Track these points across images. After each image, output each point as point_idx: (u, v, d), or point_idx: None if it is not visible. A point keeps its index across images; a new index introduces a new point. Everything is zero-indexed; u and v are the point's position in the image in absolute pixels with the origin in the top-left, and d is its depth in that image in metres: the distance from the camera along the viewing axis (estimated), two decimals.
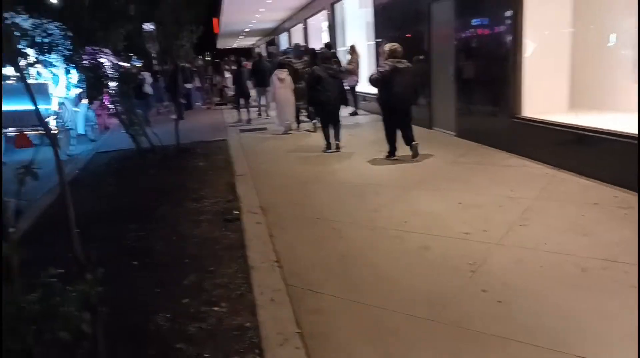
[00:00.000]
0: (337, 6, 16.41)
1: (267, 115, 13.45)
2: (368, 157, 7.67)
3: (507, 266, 3.66)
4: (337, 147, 8.27)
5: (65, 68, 8.36)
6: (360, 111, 12.72)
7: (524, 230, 4.34)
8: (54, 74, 10.01)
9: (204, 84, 19.40)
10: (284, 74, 10.33)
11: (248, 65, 14.90)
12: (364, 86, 11.51)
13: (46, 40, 7.48)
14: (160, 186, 6.60)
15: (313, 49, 11.19)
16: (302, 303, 3.26)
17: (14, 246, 1.85)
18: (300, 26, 22.67)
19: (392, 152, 7.33)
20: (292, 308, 3.18)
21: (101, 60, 8.76)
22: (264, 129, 11.37)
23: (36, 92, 8.35)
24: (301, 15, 21.79)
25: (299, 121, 10.95)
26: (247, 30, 31.85)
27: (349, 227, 4.65)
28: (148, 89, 13.30)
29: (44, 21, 7.29)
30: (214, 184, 6.57)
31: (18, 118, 9.13)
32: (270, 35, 34.66)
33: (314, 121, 10.41)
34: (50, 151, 2.87)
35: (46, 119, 9.55)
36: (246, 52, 39.61)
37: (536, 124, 6.66)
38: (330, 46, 11.99)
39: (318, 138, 8.90)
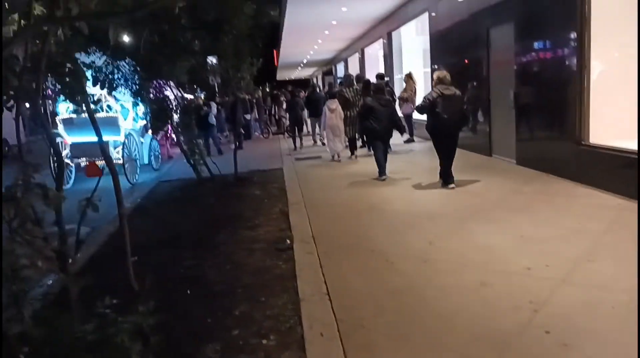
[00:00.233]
0: (394, 34, 16.51)
1: (322, 144, 13.61)
2: (423, 185, 7.53)
3: (573, 306, 3.39)
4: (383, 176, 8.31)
5: (133, 101, 8.90)
6: (416, 138, 12.57)
7: (592, 266, 4.03)
8: (124, 107, 10.68)
9: (262, 115, 19.93)
10: (334, 104, 10.61)
11: (303, 95, 15.26)
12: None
13: (117, 75, 8.00)
14: (217, 215, 6.76)
15: (366, 79, 11.38)
16: (351, 340, 3.16)
17: (72, 277, 1.92)
18: (356, 55, 22.97)
19: (445, 179, 7.32)
20: (341, 345, 3.09)
21: (166, 93, 9.25)
22: (319, 157, 11.46)
23: (107, 124, 8.91)
24: (358, 44, 22.10)
25: (352, 151, 11.01)
26: (305, 61, 32.66)
27: (403, 259, 4.51)
28: (212, 119, 13.83)
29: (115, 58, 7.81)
30: (268, 212, 6.64)
31: (89, 149, 9.76)
32: (328, 65, 35.34)
33: (354, 155, 10.85)
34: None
35: (116, 149, 10.16)
36: (304, 83, 40.51)
37: (605, 151, 6.27)
38: (383, 75, 12.33)
39: (371, 166, 8.84)
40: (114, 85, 7.73)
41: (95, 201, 2.08)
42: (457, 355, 2.92)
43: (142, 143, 11.41)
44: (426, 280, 4.03)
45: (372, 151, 9.03)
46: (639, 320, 2.61)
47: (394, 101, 10.34)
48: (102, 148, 2.60)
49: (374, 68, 18.74)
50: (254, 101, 18.97)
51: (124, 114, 10.76)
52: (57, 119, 10.35)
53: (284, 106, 19.00)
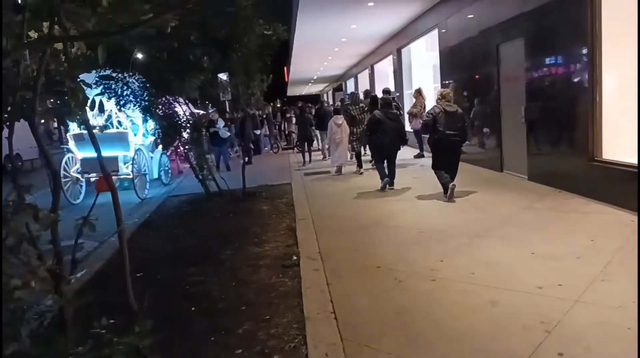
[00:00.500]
0: (403, 51, 16.56)
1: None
2: (433, 201, 7.44)
3: (587, 327, 3.27)
4: (391, 185, 8.60)
5: (143, 117, 8.97)
6: (425, 153, 12.50)
7: (607, 285, 3.91)
8: (134, 123, 10.78)
9: (272, 130, 20.04)
10: (340, 119, 10.97)
11: (312, 111, 15.38)
12: None
13: (127, 92, 8.08)
14: (224, 230, 6.73)
15: (374, 95, 11.60)
16: None
17: (67, 298, 1.88)
18: (366, 72, 23.06)
19: (446, 191, 7.43)
20: None
21: (176, 109, 9.31)
22: (327, 172, 11.43)
23: (117, 140, 8.98)
24: (368, 61, 22.20)
25: (359, 165, 11.16)
26: (315, 77, 32.89)
27: (411, 277, 4.42)
28: (224, 134, 13.85)
29: (126, 74, 7.90)
30: (276, 228, 6.59)
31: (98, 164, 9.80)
32: (338, 81, 35.54)
33: (359, 169, 11.02)
34: (127, 194, 3.02)
35: (126, 165, 10.22)
36: (314, 99, 40.76)
37: (618, 167, 6.15)
38: (389, 91, 12.51)
39: (378, 180, 8.91)
40: (123, 101, 7.80)
41: (92, 219, 2.05)
42: None
43: (151, 158, 11.48)
44: (434, 298, 3.94)
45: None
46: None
47: (401, 115, 10.70)
48: (101, 164, 2.58)
49: (384, 84, 18.75)
50: (264, 116, 19.09)
51: (134, 130, 10.85)
52: (68, 134, 10.46)
53: (293, 121, 19.10)
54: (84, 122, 2.45)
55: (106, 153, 10.01)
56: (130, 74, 8.02)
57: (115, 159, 10.34)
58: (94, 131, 9.60)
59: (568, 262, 4.47)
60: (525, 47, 8.06)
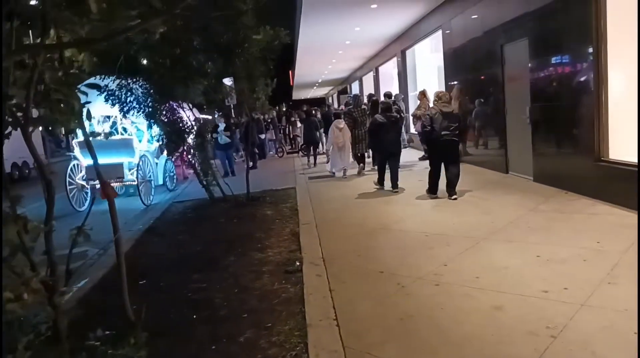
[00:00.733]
0: (407, 52, 16.53)
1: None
2: (436, 204, 7.39)
3: (593, 332, 3.21)
4: (396, 188, 8.64)
5: (148, 123, 8.99)
6: None
7: (613, 289, 3.84)
8: (138, 129, 10.81)
9: (277, 134, 20.04)
10: (341, 123, 11.10)
11: (318, 114, 15.37)
12: None
13: (130, 98, 8.10)
14: (228, 235, 6.72)
15: (375, 99, 11.88)
16: None
17: (60, 309, 1.87)
18: (371, 74, 23.04)
19: (432, 190, 7.75)
20: None
21: (180, 115, 9.32)
22: (332, 176, 11.39)
23: (122, 146, 9.00)
24: (372, 63, 22.18)
25: (360, 167, 11.37)
26: (320, 80, 32.91)
27: (414, 282, 4.37)
28: (223, 139, 13.82)
29: (129, 81, 7.93)
30: (279, 233, 6.57)
31: (104, 171, 9.85)
32: (343, 84, 35.53)
33: (361, 171, 11.22)
34: (132, 200, 3.00)
35: (131, 171, 10.25)
36: (320, 102, 40.80)
37: (625, 167, 6.07)
38: (391, 94, 12.84)
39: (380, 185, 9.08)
40: (127, 108, 7.82)
41: (86, 229, 2.03)
42: None
43: (156, 164, 11.50)
44: (438, 304, 3.89)
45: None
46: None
47: (402, 119, 10.91)
48: (97, 171, 2.57)
49: (389, 86, 18.74)
50: (269, 120, 19.10)
51: (139, 136, 10.88)
52: (74, 142, 10.51)
53: (298, 125, 19.11)
54: (82, 130, 2.42)
55: (111, 159, 10.16)
56: (134, 80, 8.05)
57: (120, 165, 10.37)
58: (99, 137, 9.67)
59: (574, 265, 4.40)
60: (530, 47, 8.00)
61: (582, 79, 6.76)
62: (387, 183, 8.90)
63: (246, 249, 5.92)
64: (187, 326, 3.90)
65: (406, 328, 3.53)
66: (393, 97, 14.70)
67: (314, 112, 16.36)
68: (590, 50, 6.47)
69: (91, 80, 7.38)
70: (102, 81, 7.49)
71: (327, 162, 14.02)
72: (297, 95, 44.85)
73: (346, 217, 7.20)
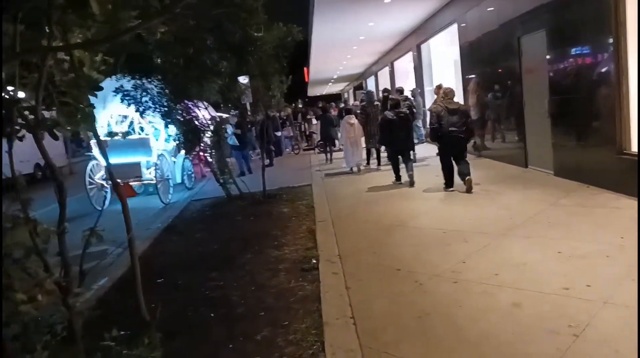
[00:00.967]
0: (423, 47, 16.35)
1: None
2: (454, 200, 7.30)
3: (617, 330, 3.13)
4: (412, 181, 8.71)
5: (165, 122, 9.06)
6: None
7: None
8: (156, 128, 10.90)
9: (294, 131, 20.05)
10: (352, 119, 11.33)
11: (335, 110, 15.33)
12: None
13: (146, 98, 8.16)
14: (244, 233, 6.73)
15: (385, 95, 12.03)
16: None
17: (75, 310, 1.87)
18: (387, 69, 22.87)
19: (448, 184, 7.88)
20: None
21: (196, 113, 9.37)
22: (349, 172, 11.35)
23: (139, 146, 9.08)
24: (387, 58, 22.01)
25: (368, 161, 11.74)
26: (335, 76, 32.81)
27: (431, 280, 4.32)
28: (232, 140, 13.74)
29: (144, 81, 7.99)
30: (295, 230, 6.56)
31: (123, 170, 9.99)
32: (358, 80, 35.37)
33: (375, 165, 11.51)
34: (151, 199, 3.00)
35: (149, 170, 10.35)
36: (335, 98, 40.70)
37: None
38: (402, 90, 13.00)
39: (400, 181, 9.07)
40: (142, 108, 7.89)
41: (99, 230, 2.04)
42: None
43: (174, 162, 11.60)
44: (456, 302, 3.83)
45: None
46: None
47: (414, 114, 11.10)
48: (109, 171, 2.57)
49: (405, 81, 18.59)
50: (285, 117, 19.11)
51: (156, 135, 10.98)
52: (92, 142, 10.65)
53: (313, 122, 19.11)
54: (93, 131, 2.43)
55: (129, 158, 10.27)
56: (149, 80, 8.11)
57: (138, 164, 10.49)
58: (117, 137, 9.78)
59: (596, 261, 4.29)
60: (548, 38, 7.83)
61: (602, 70, 6.59)
62: (405, 177, 8.91)
63: (263, 247, 5.92)
64: (204, 324, 3.92)
65: (423, 326, 3.49)
66: (410, 92, 14.77)
67: (332, 108, 16.41)
68: (610, 40, 6.30)
69: (107, 81, 7.50)
70: (117, 81, 7.56)
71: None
72: (313, 92, 44.81)
73: (362, 214, 7.16)
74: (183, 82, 8.03)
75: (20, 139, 2.10)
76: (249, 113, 14.47)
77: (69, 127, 1.95)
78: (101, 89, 2.08)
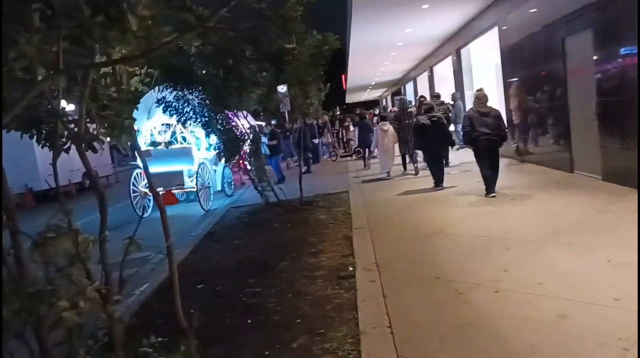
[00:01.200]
0: (462, 51, 16.09)
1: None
2: (496, 206, 7.10)
3: None
4: (440, 186, 8.93)
5: (205, 132, 9.29)
6: None
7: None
8: (197, 138, 11.19)
9: (331, 138, 20.12)
10: (386, 126, 11.52)
11: (370, 116, 15.34)
12: None
13: (187, 109, 8.39)
14: (282, 240, 6.78)
15: (421, 100, 12.29)
16: None
17: (114, 317, 1.93)
18: (425, 74, 22.62)
19: (489, 190, 7.73)
20: None
21: (235, 123, 9.55)
22: (386, 179, 11.26)
23: (181, 155, 9.37)
24: (426, 63, 21.78)
25: (405, 167, 11.77)
26: (373, 83, 32.73)
27: (472, 289, 4.21)
28: (264, 149, 13.79)
29: (186, 92, 8.22)
30: (332, 238, 6.55)
31: (165, 179, 10.30)
32: (396, 86, 35.13)
33: (415, 166, 11.39)
34: (192, 206, 3.06)
35: (191, 178, 10.62)
36: (373, 104, 40.57)
37: None
38: (439, 95, 13.50)
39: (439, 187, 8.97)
40: (184, 118, 8.10)
41: (138, 239, 2.10)
42: None
43: (214, 171, 11.84)
44: (498, 312, 3.72)
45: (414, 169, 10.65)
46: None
47: (449, 118, 11.31)
48: (149, 180, 2.65)
49: (444, 86, 18.33)
50: (322, 124, 19.20)
51: (197, 145, 11.26)
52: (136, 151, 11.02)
53: (351, 128, 19.13)
54: (133, 143, 2.51)
55: (172, 167, 10.57)
56: (190, 91, 8.33)
57: (180, 173, 10.78)
58: (160, 147, 10.11)
59: None
60: (594, 38, 7.54)
61: None
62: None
63: (299, 254, 5.94)
64: (241, 331, 3.96)
65: (463, 337, 3.40)
66: (451, 96, 14.63)
67: (371, 113, 16.49)
68: None
69: (150, 92, 7.74)
70: (160, 93, 7.81)
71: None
72: (351, 98, 44.84)
73: (400, 220, 7.07)
74: (223, 93, 8.19)
75: (67, 151, 2.19)
76: (286, 122, 14.63)
77: (109, 139, 2.02)
78: (138, 102, 2.15)
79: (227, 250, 6.79)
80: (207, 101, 8.56)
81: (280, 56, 7.85)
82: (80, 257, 1.77)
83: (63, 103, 2.16)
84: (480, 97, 7.97)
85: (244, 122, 9.86)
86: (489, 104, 11.73)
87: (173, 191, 10.87)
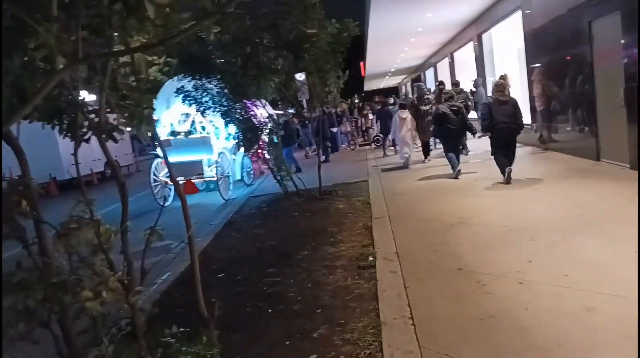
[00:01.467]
0: (484, 36, 15.75)
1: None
2: (520, 195, 6.96)
3: None
4: (457, 173, 8.97)
5: (225, 121, 9.29)
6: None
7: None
8: (216, 127, 11.21)
9: (350, 127, 19.99)
10: (405, 113, 11.53)
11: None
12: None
13: (206, 98, 8.39)
14: (301, 229, 6.78)
15: (441, 88, 12.22)
16: None
17: (136, 307, 1.94)
18: (446, 60, 22.26)
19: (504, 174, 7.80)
20: None
21: (254, 112, 9.53)
22: (406, 168, 11.15)
23: (201, 144, 9.43)
24: (447, 49, 21.42)
25: (425, 155, 11.83)
26: (392, 70, 32.34)
27: (496, 280, 4.13)
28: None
29: (204, 81, 8.21)
30: (352, 227, 6.51)
31: (186, 168, 10.37)
32: (416, 72, 34.66)
33: (428, 159, 11.72)
34: (212, 195, 3.04)
35: (210, 167, 10.68)
36: (392, 91, 40.16)
37: None
38: (458, 83, 13.38)
39: (461, 176, 8.89)
40: (203, 107, 8.11)
41: (159, 229, 2.09)
42: None
43: (234, 160, 11.88)
44: (522, 304, 3.64)
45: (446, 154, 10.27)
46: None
47: (469, 106, 11.30)
48: (169, 169, 2.65)
49: (465, 72, 18.00)
50: (341, 113, 19.07)
51: (217, 134, 11.29)
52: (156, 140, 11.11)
53: (370, 117, 18.98)
54: (153, 132, 2.50)
55: (192, 156, 10.63)
56: (208, 80, 8.32)
57: (199, 162, 10.85)
58: (180, 136, 10.15)
59: None
60: (623, 21, 7.27)
61: None
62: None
63: (319, 243, 5.93)
64: (261, 320, 3.97)
65: (487, 329, 3.34)
66: (473, 82, 14.41)
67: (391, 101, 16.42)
68: None
69: (169, 82, 7.76)
70: (179, 82, 7.82)
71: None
72: (369, 86, 44.45)
73: (420, 210, 6.99)
74: (241, 82, 8.17)
75: (87, 141, 2.19)
76: (304, 110, 14.59)
77: (129, 129, 2.01)
78: (157, 91, 2.13)
79: (247, 239, 6.82)
80: (226, 90, 8.56)
81: (299, 43, 7.79)
82: (102, 248, 1.76)
83: (83, 93, 2.15)
84: (499, 86, 8.08)
85: (262, 111, 9.84)
86: (511, 90, 11.59)
87: (193, 181, 10.94)
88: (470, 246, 5.12)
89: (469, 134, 9.92)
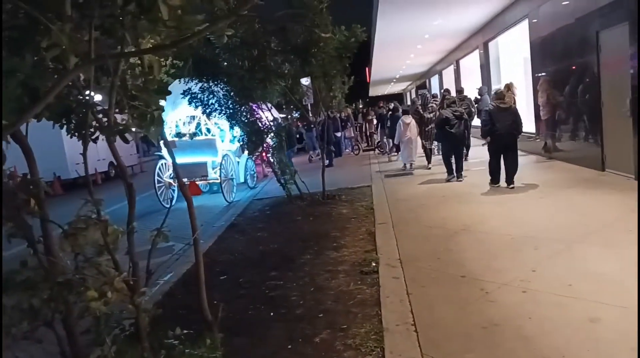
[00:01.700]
0: (490, 44, 15.76)
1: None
2: (523, 204, 6.94)
3: None
4: (459, 177, 9.40)
5: (230, 124, 9.31)
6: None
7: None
8: (221, 130, 11.24)
9: (354, 132, 19.98)
10: (408, 119, 11.71)
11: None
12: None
13: (212, 100, 8.41)
14: (304, 233, 6.76)
15: (444, 94, 12.28)
16: None
17: (141, 308, 1.93)
18: (451, 67, 22.28)
19: (493, 181, 8.29)
20: None
21: (259, 115, 9.54)
22: (410, 174, 11.14)
23: (206, 146, 9.46)
24: (452, 56, 21.43)
25: (428, 160, 11.84)
26: (397, 76, 32.37)
27: (499, 288, 4.11)
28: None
29: (211, 84, 8.23)
30: (355, 232, 6.50)
31: (190, 169, 10.38)
32: (421, 79, 34.70)
33: (428, 164, 11.78)
34: (215, 197, 3.05)
35: (214, 170, 10.69)
36: (397, 98, 40.19)
37: None
38: (462, 90, 13.49)
39: (464, 183, 9.02)
40: (209, 110, 8.13)
41: (165, 231, 2.09)
42: None
43: (238, 162, 11.89)
44: (525, 313, 3.62)
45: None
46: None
47: (472, 112, 11.58)
48: (175, 171, 2.64)
49: (471, 80, 18.00)
50: (345, 118, 19.08)
51: (222, 136, 11.31)
52: (162, 142, 11.13)
53: (374, 122, 18.97)
54: (161, 134, 2.50)
55: (196, 158, 10.65)
56: (215, 83, 8.34)
57: (204, 164, 10.86)
58: (185, 138, 10.18)
59: None
60: (631, 32, 7.26)
61: None
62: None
63: (321, 248, 5.92)
64: (264, 324, 3.95)
65: (490, 338, 3.32)
66: (477, 90, 14.44)
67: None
68: None
69: (176, 84, 7.79)
70: (185, 84, 7.84)
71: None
72: (374, 91, 44.50)
73: (424, 216, 6.98)
74: (248, 85, 8.19)
75: (95, 141, 2.19)
76: (309, 114, 14.60)
77: (139, 130, 2.01)
78: (169, 93, 2.14)
79: (250, 242, 6.81)
80: (232, 93, 8.58)
81: (307, 48, 7.81)
82: (108, 248, 1.76)
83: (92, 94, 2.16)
84: (500, 94, 8.28)
85: (267, 114, 9.85)
86: (516, 98, 11.62)
87: (197, 182, 10.96)
88: (473, 253, 5.10)
89: (472, 141, 10.02)
